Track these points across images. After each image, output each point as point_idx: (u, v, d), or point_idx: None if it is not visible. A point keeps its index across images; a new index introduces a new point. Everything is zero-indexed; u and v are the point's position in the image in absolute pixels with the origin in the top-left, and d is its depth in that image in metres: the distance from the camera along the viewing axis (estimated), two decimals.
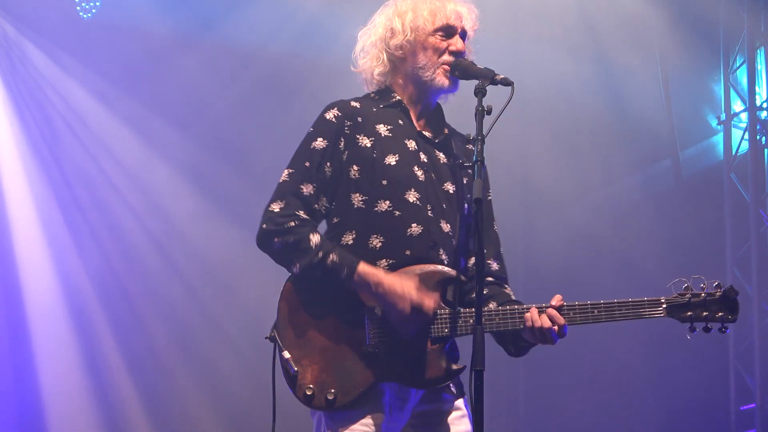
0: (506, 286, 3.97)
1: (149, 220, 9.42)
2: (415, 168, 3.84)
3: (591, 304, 3.70)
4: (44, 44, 9.02)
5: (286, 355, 3.65)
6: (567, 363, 9.34)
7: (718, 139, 9.26)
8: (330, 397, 3.61)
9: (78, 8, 8.85)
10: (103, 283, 9.14)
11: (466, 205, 3.91)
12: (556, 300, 3.69)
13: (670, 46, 9.31)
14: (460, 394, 3.82)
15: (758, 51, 8.92)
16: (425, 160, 3.88)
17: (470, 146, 4.00)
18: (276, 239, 3.73)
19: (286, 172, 3.83)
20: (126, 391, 9.21)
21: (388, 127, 3.89)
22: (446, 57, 3.91)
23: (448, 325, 3.68)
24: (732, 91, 9.08)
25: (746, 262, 8.80)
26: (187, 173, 9.47)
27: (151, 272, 9.35)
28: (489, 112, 3.62)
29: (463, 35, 3.97)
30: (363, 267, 3.66)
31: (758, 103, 8.89)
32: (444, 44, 3.92)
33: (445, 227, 3.82)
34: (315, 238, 3.70)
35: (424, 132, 3.95)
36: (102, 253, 9.17)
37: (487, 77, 3.72)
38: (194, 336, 9.46)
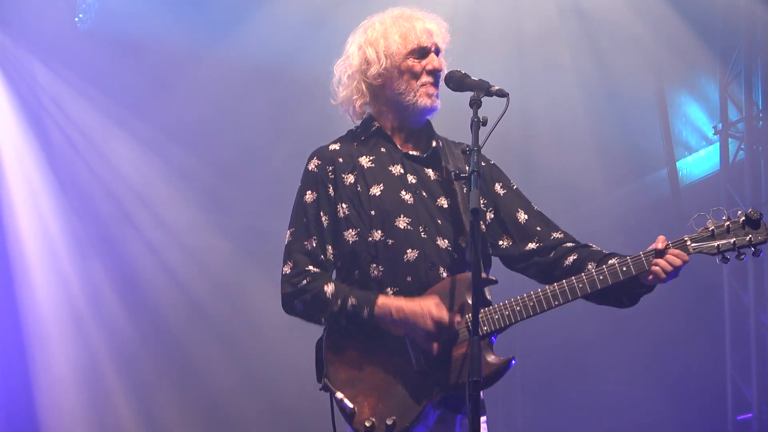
0: (589, 244, 3.98)
1: (150, 230, 9.48)
2: (402, 192, 3.90)
3: (631, 258, 3.76)
4: (41, 54, 9.03)
5: (339, 395, 3.73)
6: (564, 377, 9.33)
7: (715, 148, 9.24)
8: (389, 422, 3.68)
9: (76, 19, 8.83)
10: (104, 289, 9.19)
11: (464, 216, 3.91)
12: (662, 241, 3.72)
13: (667, 56, 9.32)
14: (482, 412, 3.82)
15: (755, 60, 8.90)
16: (413, 182, 3.93)
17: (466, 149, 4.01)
18: (296, 301, 3.86)
19: (288, 232, 3.95)
20: (120, 396, 9.23)
21: (371, 158, 3.96)
22: (425, 78, 3.96)
23: (486, 323, 3.73)
24: (728, 101, 9.06)
25: (743, 272, 8.78)
26: (187, 183, 9.51)
27: (150, 278, 9.41)
28: (484, 123, 3.63)
29: (437, 51, 4.01)
30: (382, 300, 3.75)
31: (754, 113, 8.87)
32: (419, 66, 3.96)
33: (443, 243, 3.86)
34: (329, 289, 3.82)
35: (411, 152, 4.00)
36: (102, 260, 9.22)
37: (482, 89, 3.74)
38: (196, 345, 9.52)
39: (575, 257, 3.90)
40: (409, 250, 3.82)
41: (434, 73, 3.96)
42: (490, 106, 3.74)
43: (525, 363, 9.77)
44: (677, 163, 9.60)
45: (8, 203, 8.97)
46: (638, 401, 9.25)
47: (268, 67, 9.13)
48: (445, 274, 3.81)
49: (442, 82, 3.99)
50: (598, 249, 3.92)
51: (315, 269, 3.85)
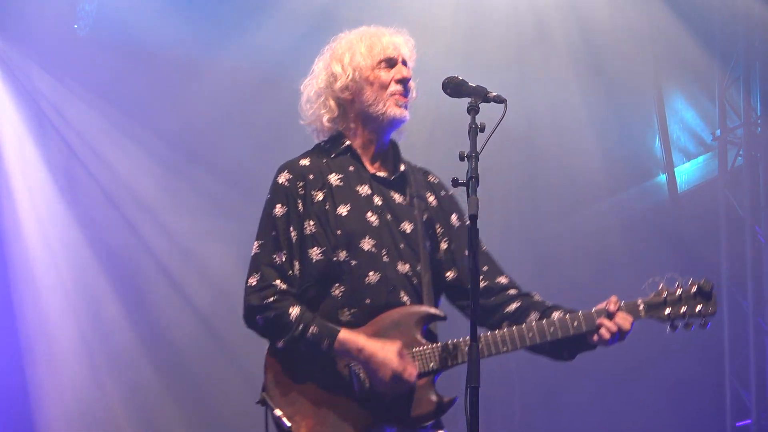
0: (531, 292, 3.98)
1: (152, 236, 9.52)
2: (369, 214, 3.88)
3: (581, 314, 3.78)
4: (41, 60, 9.08)
5: (278, 412, 3.68)
6: (561, 380, 9.32)
7: (713, 154, 9.24)
8: None
9: (75, 26, 8.85)
10: (103, 292, 9.22)
11: (428, 242, 3.94)
12: (614, 302, 3.73)
13: (665, 61, 9.33)
14: (439, 427, 3.82)
15: (753, 66, 8.89)
16: (379, 203, 3.92)
17: (431, 177, 4.10)
18: (258, 316, 3.78)
19: (256, 244, 3.88)
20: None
21: (339, 176, 3.93)
22: (393, 87, 3.96)
23: (434, 359, 3.72)
24: (727, 107, 9.05)
25: (742, 278, 8.77)
26: (187, 188, 9.55)
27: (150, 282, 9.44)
28: (482, 130, 3.61)
29: (405, 63, 4.01)
30: (344, 335, 3.70)
31: (753, 119, 8.86)
32: (388, 76, 3.96)
33: (403, 268, 3.85)
34: (294, 311, 3.75)
35: (378, 173, 3.98)
36: (102, 265, 9.25)
37: (480, 95, 3.71)
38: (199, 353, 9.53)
39: (518, 305, 3.91)
40: (371, 273, 3.80)
41: (403, 82, 3.96)
42: (488, 113, 3.71)
43: (523, 368, 9.77)
44: (675, 169, 9.58)
45: (10, 209, 8.99)
46: (637, 406, 9.24)
47: (270, 74, 9.14)
48: (405, 298, 3.81)
49: (413, 92, 4.01)
50: (541, 300, 3.94)
51: (282, 285, 3.79)
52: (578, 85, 9.44)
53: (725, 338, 8.81)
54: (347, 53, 3.99)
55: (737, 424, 8.69)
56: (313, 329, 3.69)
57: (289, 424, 3.65)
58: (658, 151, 9.59)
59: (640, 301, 3.74)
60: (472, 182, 3.53)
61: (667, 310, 3.70)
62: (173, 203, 9.51)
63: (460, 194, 3.90)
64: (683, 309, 3.66)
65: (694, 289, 3.71)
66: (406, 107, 3.98)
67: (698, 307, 3.68)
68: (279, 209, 3.87)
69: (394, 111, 3.94)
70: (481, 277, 3.94)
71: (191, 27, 9.03)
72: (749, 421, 8.59)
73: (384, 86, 3.95)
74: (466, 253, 3.91)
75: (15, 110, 9.08)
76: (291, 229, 3.84)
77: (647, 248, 9.29)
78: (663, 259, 9.14)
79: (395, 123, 3.98)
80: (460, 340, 3.74)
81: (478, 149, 3.58)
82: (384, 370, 3.64)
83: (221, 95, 9.18)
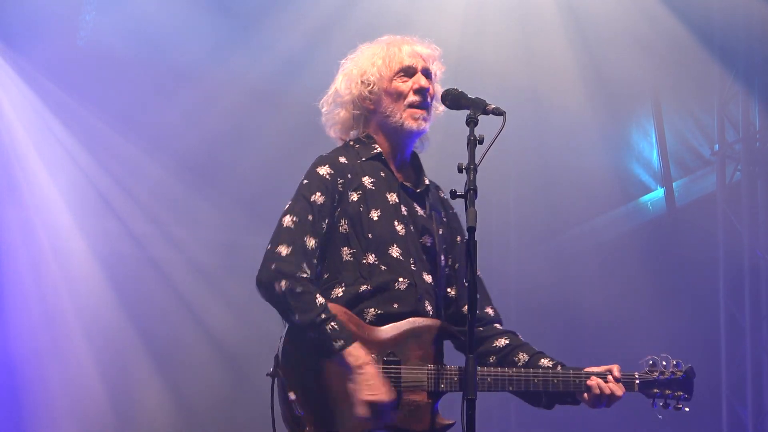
0: (514, 331, 4.05)
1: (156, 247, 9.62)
2: (396, 222, 3.90)
3: (572, 373, 3.88)
4: (45, 70, 9.11)
5: (292, 396, 3.66)
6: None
7: (712, 169, 9.23)
8: None
9: (79, 36, 8.90)
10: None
11: (442, 257, 3.98)
12: (617, 370, 3.90)
13: (665, 76, 9.33)
14: None
15: (753, 81, 8.89)
16: (405, 213, 3.94)
17: (441, 193, 4.13)
18: (283, 282, 3.69)
19: (289, 218, 3.79)
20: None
21: (372, 179, 3.93)
22: (411, 98, 3.95)
23: (444, 381, 3.74)
24: (726, 122, 9.04)
25: (739, 293, 8.76)
26: (185, 195, 9.64)
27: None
28: (481, 142, 3.61)
29: (427, 73, 3.99)
30: (357, 346, 3.66)
31: (751, 133, 8.85)
32: (406, 86, 3.95)
33: (428, 279, 3.90)
34: (321, 299, 3.71)
35: (405, 183, 3.99)
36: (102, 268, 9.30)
37: (479, 107, 3.71)
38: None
39: (507, 342, 3.98)
40: (401, 279, 3.82)
41: (421, 92, 3.94)
42: (487, 124, 3.70)
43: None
44: (674, 183, 9.59)
45: (17, 216, 9.02)
46: (633, 421, 9.20)
47: (266, 85, 9.17)
48: (429, 308, 3.85)
49: (437, 103, 3.98)
50: (526, 342, 4.01)
51: (308, 270, 3.74)
52: (580, 101, 9.47)
53: (722, 353, 8.79)
54: (368, 65, 3.99)
55: None
56: (333, 324, 3.64)
57: (302, 411, 3.64)
58: (657, 165, 9.60)
59: (637, 375, 3.93)
60: (470, 194, 3.52)
61: (655, 391, 3.92)
62: (179, 212, 9.61)
63: (458, 206, 3.89)
64: (667, 392, 3.91)
65: (680, 375, 3.93)
66: (425, 119, 3.96)
67: (679, 392, 3.92)
68: (319, 197, 3.83)
69: (410, 124, 3.94)
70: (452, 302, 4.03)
71: (195, 35, 9.06)
72: None
73: (402, 96, 3.95)
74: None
75: (19, 118, 9.13)
76: (325, 221, 3.81)
77: (646, 261, 9.30)
78: (661, 273, 9.15)
79: (413, 136, 3.99)
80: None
81: (477, 161, 3.57)
82: (365, 394, 3.62)
83: (227, 105, 9.21)
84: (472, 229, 3.48)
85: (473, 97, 3.77)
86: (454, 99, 3.81)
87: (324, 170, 3.88)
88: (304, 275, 3.70)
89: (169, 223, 9.67)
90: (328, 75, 4.16)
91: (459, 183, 3.62)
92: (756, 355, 8.62)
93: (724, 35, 8.98)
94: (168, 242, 9.68)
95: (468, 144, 3.60)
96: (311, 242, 3.77)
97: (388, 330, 3.75)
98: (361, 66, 4.00)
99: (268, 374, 3.73)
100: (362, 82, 3.97)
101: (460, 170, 3.66)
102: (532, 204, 10.14)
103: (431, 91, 3.99)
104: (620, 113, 9.58)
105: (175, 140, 9.35)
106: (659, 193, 9.70)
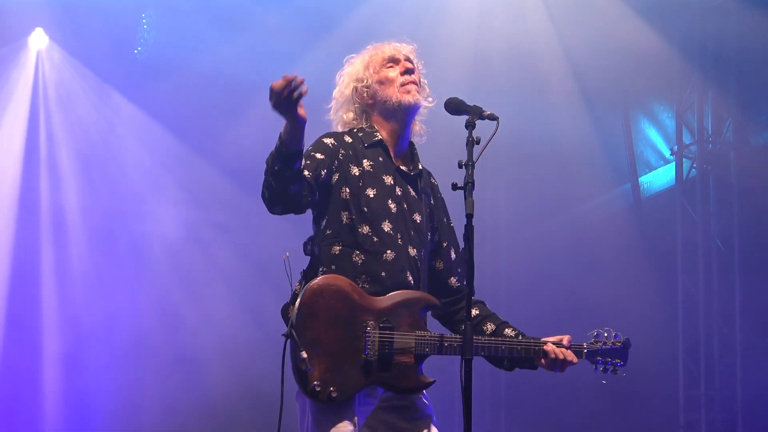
0: (483, 302, 4.15)
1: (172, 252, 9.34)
2: (389, 201, 3.97)
3: (533, 341, 3.96)
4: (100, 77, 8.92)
5: (304, 354, 3.67)
6: (552, 399, 9.27)
7: (671, 166, 9.35)
8: (334, 395, 3.69)
9: (135, 51, 8.81)
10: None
11: (428, 234, 4.06)
12: (567, 340, 3.97)
13: (633, 88, 9.43)
14: (423, 396, 3.96)
15: (706, 94, 9.04)
16: (399, 194, 4.00)
17: (434, 179, 4.21)
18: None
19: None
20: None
21: (371, 162, 3.99)
22: (401, 78, 4.06)
23: (429, 346, 3.80)
24: (683, 127, 9.19)
25: (694, 272, 8.91)
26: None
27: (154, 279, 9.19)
28: (478, 142, 3.70)
29: (410, 61, 4.11)
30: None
31: (705, 137, 9.00)
32: (394, 71, 4.08)
33: (412, 252, 3.96)
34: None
35: (401, 167, 4.08)
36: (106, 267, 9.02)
37: (476, 113, 3.79)
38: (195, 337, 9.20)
39: (476, 312, 4.08)
40: (389, 251, 3.88)
41: (409, 72, 4.07)
42: (485, 127, 3.80)
43: (515, 379, 9.54)
44: (639, 179, 9.68)
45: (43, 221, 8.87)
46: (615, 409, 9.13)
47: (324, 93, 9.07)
48: (410, 278, 3.91)
49: (426, 95, 4.10)
50: (493, 312, 4.11)
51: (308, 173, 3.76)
52: (563, 108, 9.52)
53: (679, 323, 8.91)
54: (361, 66, 4.11)
55: None
56: (272, 152, 3.64)
57: (312, 367, 3.67)
58: (625, 163, 9.67)
59: (585, 345, 4.03)
60: (468, 186, 3.62)
61: (598, 358, 4.04)
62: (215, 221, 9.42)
63: (458, 196, 3.97)
64: (608, 359, 4.05)
65: (618, 345, 4.04)
66: (417, 92, 4.05)
67: (617, 361, 4.05)
68: (319, 155, 3.86)
69: (407, 98, 4.02)
70: (456, 278, 4.12)
71: (242, 51, 8.93)
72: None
73: (392, 81, 4.04)
74: (451, 251, 4.14)
75: (65, 127, 8.97)
76: (324, 171, 3.84)
77: (616, 244, 9.35)
78: (629, 254, 9.19)
79: (411, 109, 4.05)
80: (452, 335, 3.87)
81: (474, 159, 3.66)
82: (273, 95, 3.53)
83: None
84: (470, 216, 3.56)
85: (471, 104, 3.83)
86: (455, 106, 3.88)
87: (328, 140, 3.97)
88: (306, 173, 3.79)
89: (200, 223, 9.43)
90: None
91: (458, 176, 3.65)
92: (708, 325, 8.82)
93: (684, 53, 9.10)
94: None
95: (467, 144, 3.67)
96: (319, 156, 3.82)
97: (384, 300, 3.80)
98: (352, 70, 4.12)
99: (283, 335, 3.75)
100: (356, 80, 4.07)
101: (460, 166, 3.75)
102: (515, 195, 10.09)
103: (416, 74, 4.10)
104: (597, 119, 9.59)
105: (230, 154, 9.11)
106: (627, 186, 9.77)
